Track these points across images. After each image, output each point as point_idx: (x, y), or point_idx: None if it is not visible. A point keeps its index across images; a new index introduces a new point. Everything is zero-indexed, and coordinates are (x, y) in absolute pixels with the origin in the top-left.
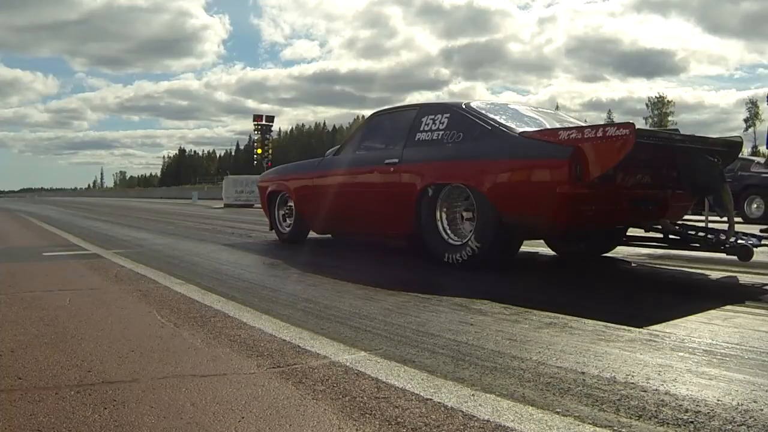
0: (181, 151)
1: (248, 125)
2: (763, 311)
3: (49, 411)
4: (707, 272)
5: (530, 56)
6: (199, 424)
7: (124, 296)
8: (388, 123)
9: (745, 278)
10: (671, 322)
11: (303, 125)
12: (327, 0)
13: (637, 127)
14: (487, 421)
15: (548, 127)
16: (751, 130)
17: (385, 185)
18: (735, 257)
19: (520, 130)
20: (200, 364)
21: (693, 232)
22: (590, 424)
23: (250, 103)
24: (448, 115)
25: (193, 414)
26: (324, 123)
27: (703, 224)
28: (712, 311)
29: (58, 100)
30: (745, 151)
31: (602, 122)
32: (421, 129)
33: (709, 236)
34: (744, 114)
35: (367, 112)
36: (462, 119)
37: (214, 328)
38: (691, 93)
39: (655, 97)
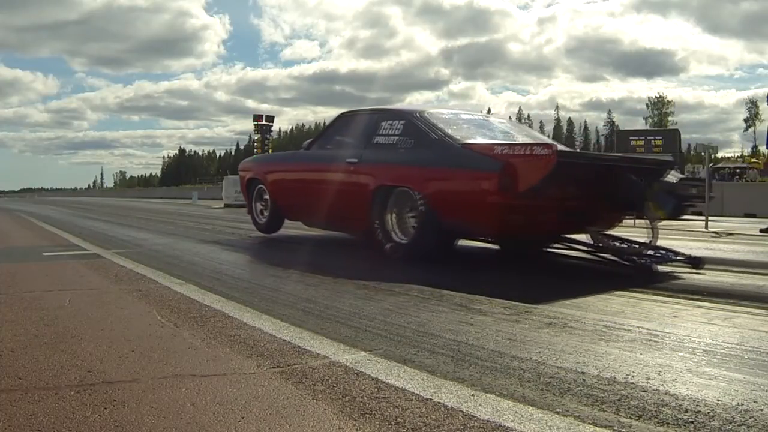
0: (181, 151)
1: (248, 125)
2: (763, 311)
3: (49, 411)
4: (705, 271)
5: (530, 56)
6: (199, 424)
7: (124, 296)
8: (353, 123)
9: (744, 278)
10: (670, 321)
11: (303, 125)
12: (327, 0)
13: (559, 149)
14: (487, 421)
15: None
16: (751, 130)
17: (345, 183)
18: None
19: (463, 141)
20: (200, 364)
21: (616, 243)
22: (590, 424)
23: (250, 103)
24: (403, 121)
25: (193, 414)
26: (324, 123)
27: (639, 235)
28: (712, 311)
29: (58, 100)
30: (745, 151)
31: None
32: (379, 132)
33: (623, 245)
34: (744, 114)
35: None
36: (413, 127)
37: (214, 328)
38: (691, 93)
39: (655, 97)
